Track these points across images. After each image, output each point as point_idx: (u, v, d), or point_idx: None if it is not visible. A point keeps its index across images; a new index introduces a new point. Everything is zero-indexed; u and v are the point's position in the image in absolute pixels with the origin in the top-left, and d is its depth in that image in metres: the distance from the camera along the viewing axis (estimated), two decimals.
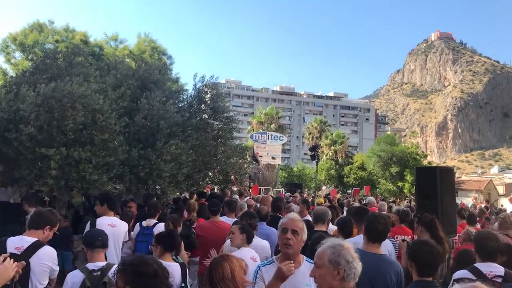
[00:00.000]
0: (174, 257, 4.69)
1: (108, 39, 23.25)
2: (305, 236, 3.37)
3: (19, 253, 3.59)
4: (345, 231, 5.15)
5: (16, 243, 3.70)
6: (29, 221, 3.94)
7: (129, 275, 1.78)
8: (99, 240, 3.78)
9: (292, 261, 3.06)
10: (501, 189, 48.25)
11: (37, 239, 3.79)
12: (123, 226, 5.58)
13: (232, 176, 11.15)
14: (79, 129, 7.09)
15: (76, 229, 8.11)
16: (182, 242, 5.41)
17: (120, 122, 7.69)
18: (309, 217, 7.24)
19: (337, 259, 2.46)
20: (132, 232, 6.37)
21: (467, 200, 33.60)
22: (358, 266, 2.48)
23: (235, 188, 13.75)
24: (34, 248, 3.69)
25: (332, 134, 50.27)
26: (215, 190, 12.47)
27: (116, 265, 3.86)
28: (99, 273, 3.52)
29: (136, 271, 1.77)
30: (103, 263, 3.68)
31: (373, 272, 3.51)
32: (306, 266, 3.26)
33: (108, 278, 3.41)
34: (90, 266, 3.60)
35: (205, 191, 11.31)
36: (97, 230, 4.29)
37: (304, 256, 3.38)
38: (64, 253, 7.46)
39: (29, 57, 20.24)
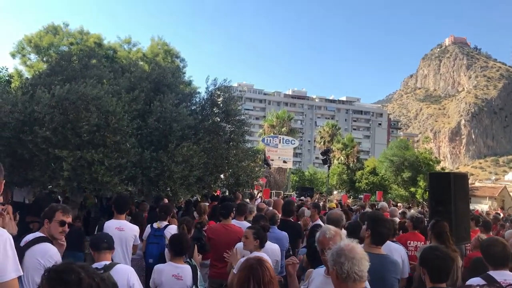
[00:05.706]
0: (188, 259, 4.72)
1: (122, 42, 23.54)
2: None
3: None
4: (354, 235, 5.13)
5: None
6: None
7: (52, 282, 1.78)
8: (105, 242, 3.87)
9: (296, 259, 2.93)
10: None
11: (42, 234, 3.67)
12: (132, 230, 5.49)
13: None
14: (92, 131, 7.13)
15: (88, 230, 8.17)
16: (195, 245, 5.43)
17: (133, 125, 7.73)
18: (319, 222, 7.20)
19: (331, 261, 2.62)
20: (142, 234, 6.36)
21: (480, 207, 33.15)
22: (352, 267, 2.52)
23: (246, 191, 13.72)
24: (33, 242, 3.55)
25: (343, 138, 50.10)
26: (226, 193, 12.47)
27: (120, 263, 3.94)
28: (102, 271, 3.54)
29: (59, 278, 1.76)
30: (107, 262, 3.77)
31: (381, 271, 3.59)
32: None
33: (107, 274, 3.41)
34: (95, 265, 3.67)
35: (215, 194, 11.31)
36: (102, 233, 4.36)
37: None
38: (76, 254, 7.50)
39: (44, 59, 20.56)
